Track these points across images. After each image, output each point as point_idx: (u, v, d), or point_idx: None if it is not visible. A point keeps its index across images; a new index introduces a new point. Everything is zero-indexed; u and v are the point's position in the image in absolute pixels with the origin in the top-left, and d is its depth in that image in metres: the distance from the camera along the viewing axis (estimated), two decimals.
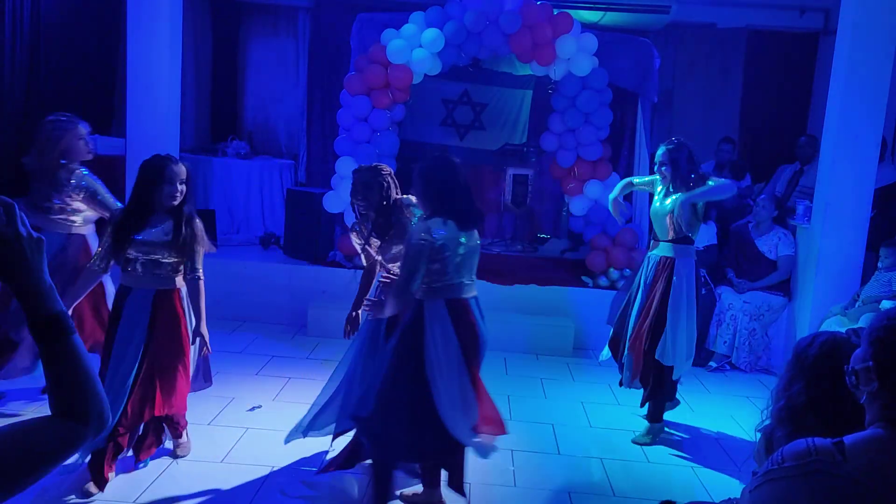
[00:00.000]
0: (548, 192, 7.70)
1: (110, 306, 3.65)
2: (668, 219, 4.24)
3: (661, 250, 4.30)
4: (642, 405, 4.46)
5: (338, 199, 6.26)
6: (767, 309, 5.77)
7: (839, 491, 1.24)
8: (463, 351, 3.22)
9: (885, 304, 4.79)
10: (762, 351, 5.78)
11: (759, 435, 1.81)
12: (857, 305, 5.04)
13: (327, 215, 6.41)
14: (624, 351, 4.38)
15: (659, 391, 4.34)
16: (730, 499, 1.99)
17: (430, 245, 3.09)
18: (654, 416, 4.37)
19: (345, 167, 6.32)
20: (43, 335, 1.11)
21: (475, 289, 3.34)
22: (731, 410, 4.94)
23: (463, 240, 3.21)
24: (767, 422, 1.77)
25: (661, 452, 4.24)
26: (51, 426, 1.11)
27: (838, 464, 1.26)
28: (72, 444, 1.12)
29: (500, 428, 3.41)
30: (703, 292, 5.86)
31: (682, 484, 3.86)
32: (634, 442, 4.31)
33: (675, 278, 4.19)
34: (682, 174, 4.16)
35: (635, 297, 4.38)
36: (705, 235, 5.81)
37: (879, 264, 5.13)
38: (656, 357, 4.21)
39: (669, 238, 4.26)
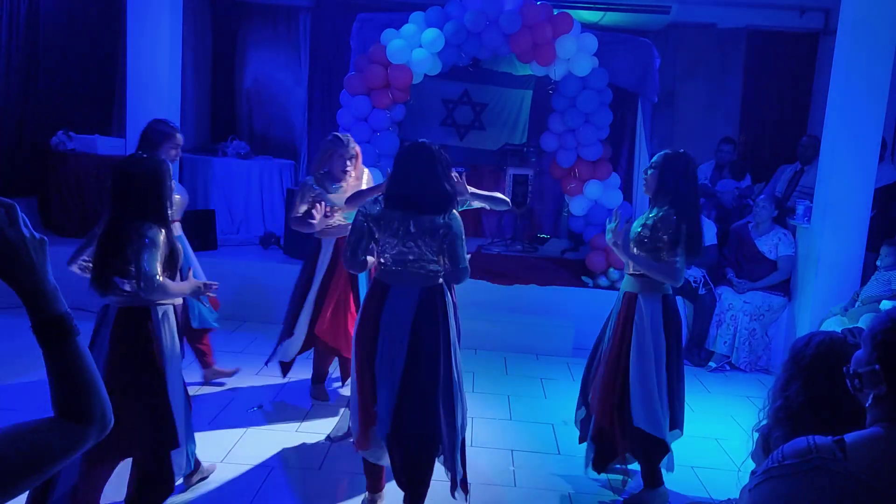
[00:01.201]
0: (548, 192, 7.72)
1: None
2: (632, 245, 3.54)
3: (626, 284, 3.61)
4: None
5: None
6: (767, 309, 5.77)
7: (839, 488, 1.24)
8: (359, 334, 3.19)
9: (885, 304, 4.79)
10: (762, 351, 5.79)
11: (756, 435, 1.82)
12: (856, 305, 5.03)
13: None
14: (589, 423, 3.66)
15: (654, 462, 3.53)
16: (730, 499, 2.00)
17: (362, 216, 3.12)
18: (654, 482, 3.55)
19: None
20: (47, 336, 1.11)
21: (417, 280, 3.10)
22: (731, 410, 4.94)
23: (402, 223, 3.06)
24: (765, 422, 1.78)
25: None
26: (53, 427, 1.12)
27: (839, 461, 1.26)
28: (74, 446, 1.13)
29: None
30: (703, 292, 5.90)
31: (682, 484, 3.86)
32: None
33: (636, 318, 3.47)
34: (666, 187, 3.44)
35: (603, 339, 3.72)
36: (705, 236, 5.81)
37: (879, 263, 5.12)
38: (636, 425, 3.43)
39: (631, 271, 3.58)
